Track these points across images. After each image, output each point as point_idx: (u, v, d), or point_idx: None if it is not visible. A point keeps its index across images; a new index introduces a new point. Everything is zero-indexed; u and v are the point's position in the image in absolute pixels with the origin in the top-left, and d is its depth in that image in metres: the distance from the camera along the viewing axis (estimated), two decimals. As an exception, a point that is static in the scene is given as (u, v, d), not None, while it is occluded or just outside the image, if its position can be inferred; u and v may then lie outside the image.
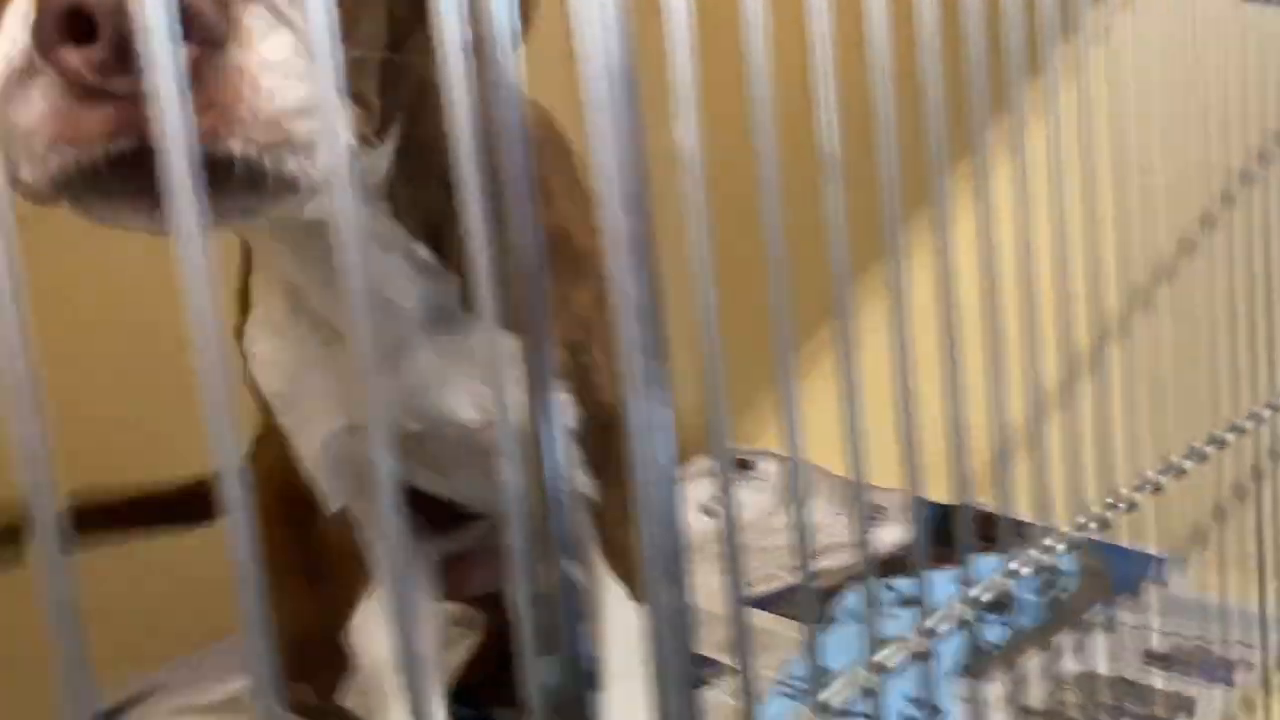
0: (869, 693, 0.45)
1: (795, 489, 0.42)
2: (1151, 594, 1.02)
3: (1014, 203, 0.51)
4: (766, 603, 1.20)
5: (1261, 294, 0.82)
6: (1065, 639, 0.74)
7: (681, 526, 0.33)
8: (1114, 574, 1.03)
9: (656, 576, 0.33)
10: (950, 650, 0.99)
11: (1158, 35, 0.67)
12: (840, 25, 0.38)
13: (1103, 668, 0.91)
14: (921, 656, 0.47)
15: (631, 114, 0.29)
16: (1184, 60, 0.69)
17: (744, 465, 1.68)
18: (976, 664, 0.56)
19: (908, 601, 0.56)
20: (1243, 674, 0.86)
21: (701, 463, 1.64)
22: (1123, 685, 0.88)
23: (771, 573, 1.31)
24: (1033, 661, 0.89)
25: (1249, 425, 0.80)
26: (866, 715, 0.46)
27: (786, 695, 0.94)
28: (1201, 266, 0.80)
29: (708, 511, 1.59)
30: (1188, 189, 0.75)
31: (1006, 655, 0.65)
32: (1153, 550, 1.05)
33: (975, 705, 0.54)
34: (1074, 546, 0.59)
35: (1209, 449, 0.74)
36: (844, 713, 0.43)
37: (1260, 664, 0.88)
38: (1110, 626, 0.96)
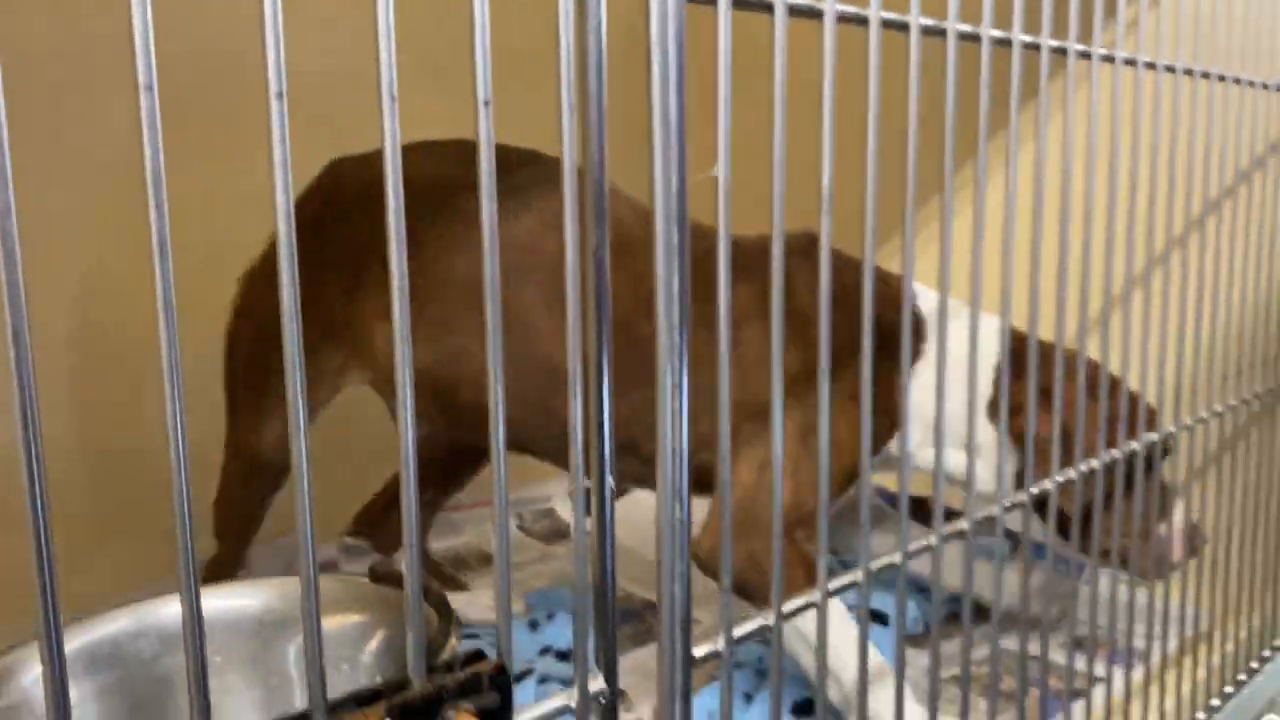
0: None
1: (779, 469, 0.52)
2: (1079, 590, 1.14)
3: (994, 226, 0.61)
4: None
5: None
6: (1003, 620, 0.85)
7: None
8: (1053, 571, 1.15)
9: (666, 533, 0.43)
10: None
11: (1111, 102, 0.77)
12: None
13: (1034, 649, 1.03)
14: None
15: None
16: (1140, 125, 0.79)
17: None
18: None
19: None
20: (1143, 660, 0.98)
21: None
22: (1044, 663, 1.00)
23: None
24: (978, 632, 1.00)
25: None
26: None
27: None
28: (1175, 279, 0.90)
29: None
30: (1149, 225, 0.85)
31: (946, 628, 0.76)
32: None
33: (935, 658, 0.65)
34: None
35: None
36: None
37: (1160, 652, 1.00)
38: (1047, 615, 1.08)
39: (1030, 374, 0.71)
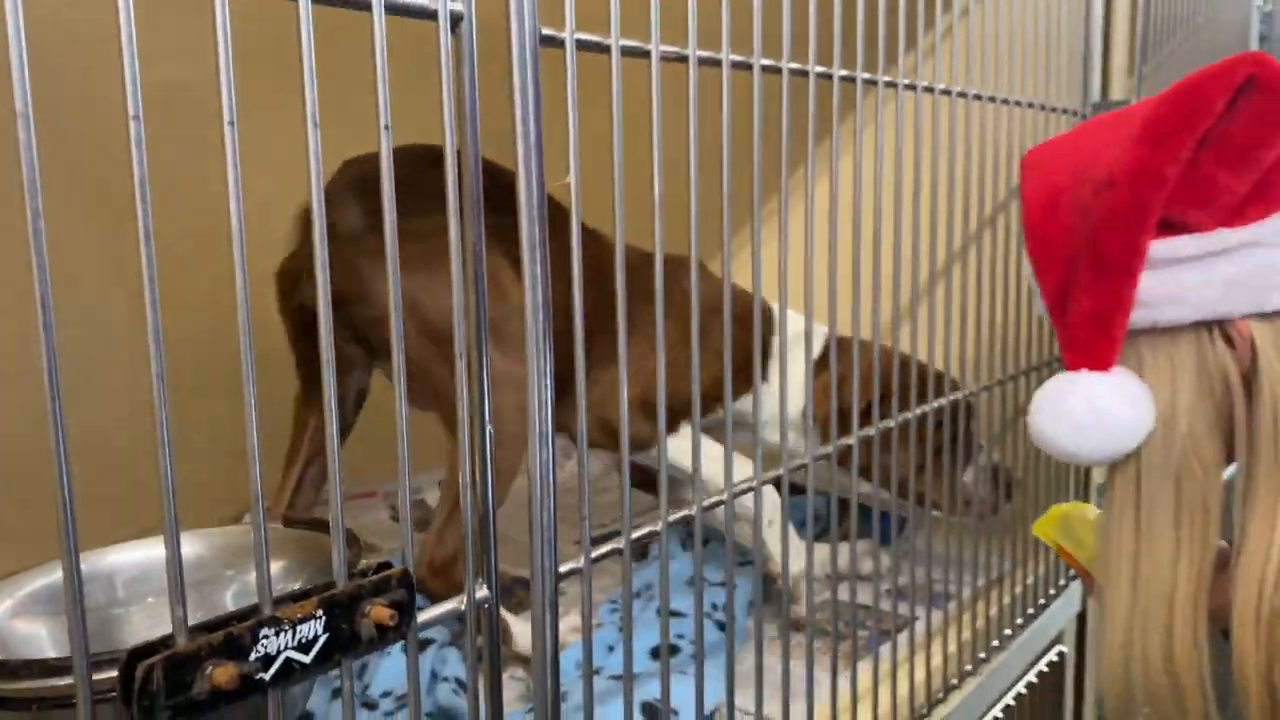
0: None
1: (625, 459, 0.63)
2: (902, 543, 1.30)
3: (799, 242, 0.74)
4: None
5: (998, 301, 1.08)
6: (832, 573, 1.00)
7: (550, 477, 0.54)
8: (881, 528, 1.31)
9: (538, 511, 0.54)
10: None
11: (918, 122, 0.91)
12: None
13: (862, 598, 1.18)
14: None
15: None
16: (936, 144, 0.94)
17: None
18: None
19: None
20: (953, 602, 1.14)
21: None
22: (865, 609, 1.15)
23: (604, 522, 1.54)
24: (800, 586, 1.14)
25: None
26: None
27: (613, 609, 1.18)
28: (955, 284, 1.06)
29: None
30: (943, 228, 0.99)
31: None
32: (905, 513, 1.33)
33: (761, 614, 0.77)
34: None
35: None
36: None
37: (970, 595, 1.16)
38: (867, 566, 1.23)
39: (832, 364, 0.86)
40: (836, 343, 1.15)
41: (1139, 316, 0.72)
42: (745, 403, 1.12)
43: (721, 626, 1.16)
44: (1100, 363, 0.74)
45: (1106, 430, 0.73)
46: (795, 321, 1.10)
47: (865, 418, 0.94)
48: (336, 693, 0.93)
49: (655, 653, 1.06)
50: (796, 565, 1.17)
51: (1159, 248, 0.70)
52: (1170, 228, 0.70)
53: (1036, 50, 1.08)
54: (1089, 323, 0.74)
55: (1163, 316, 0.72)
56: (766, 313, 1.15)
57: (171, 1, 0.61)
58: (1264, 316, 0.70)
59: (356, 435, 1.20)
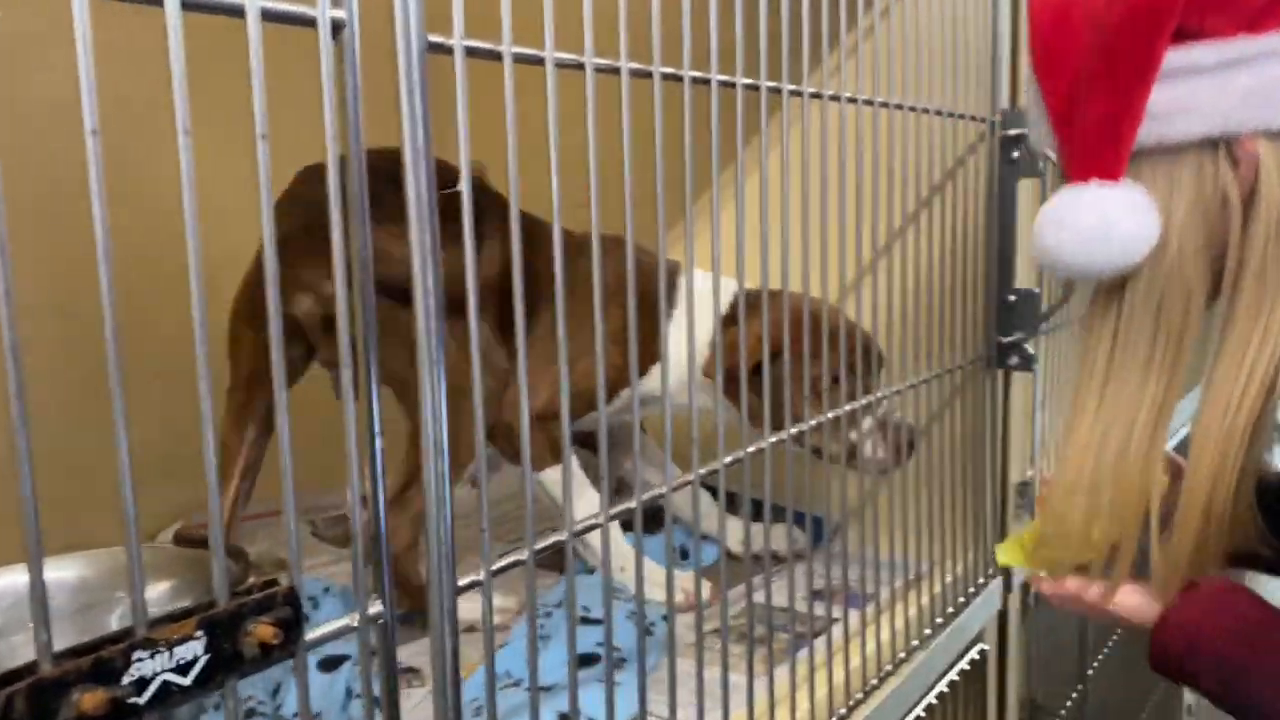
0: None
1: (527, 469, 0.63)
2: (824, 547, 1.31)
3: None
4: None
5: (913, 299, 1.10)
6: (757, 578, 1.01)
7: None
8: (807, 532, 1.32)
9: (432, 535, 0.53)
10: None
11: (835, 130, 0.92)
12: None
13: (780, 599, 1.18)
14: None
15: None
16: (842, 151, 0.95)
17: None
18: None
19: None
20: (872, 603, 1.15)
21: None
22: (787, 612, 1.15)
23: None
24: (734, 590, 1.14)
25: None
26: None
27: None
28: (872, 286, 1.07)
29: (472, 483, 1.79)
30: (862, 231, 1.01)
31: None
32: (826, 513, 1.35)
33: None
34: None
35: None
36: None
37: (889, 594, 1.18)
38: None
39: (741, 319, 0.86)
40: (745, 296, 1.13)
41: (1146, 132, 0.72)
42: (653, 378, 1.11)
43: (647, 632, 1.16)
44: (1108, 172, 0.73)
45: (1115, 241, 0.73)
46: (701, 281, 1.09)
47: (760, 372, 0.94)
48: (250, 713, 0.91)
49: (579, 662, 1.06)
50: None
51: (1175, 57, 0.69)
52: (1186, 37, 0.69)
53: (945, 60, 1.10)
54: (1099, 130, 0.73)
55: (1171, 130, 0.71)
56: (672, 280, 1.17)
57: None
58: (1272, 136, 0.70)
59: (272, 450, 1.18)
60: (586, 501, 1.19)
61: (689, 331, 0.79)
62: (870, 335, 1.07)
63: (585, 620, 1.15)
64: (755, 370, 1.04)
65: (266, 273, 0.44)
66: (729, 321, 1.13)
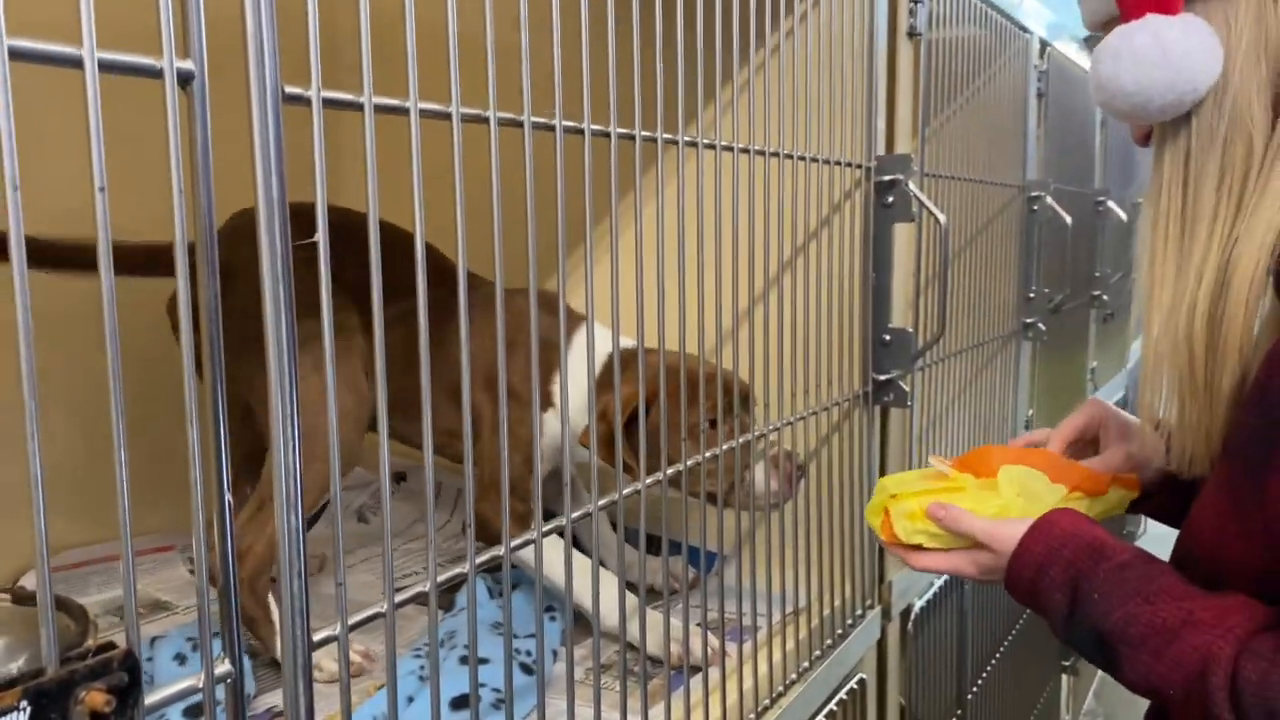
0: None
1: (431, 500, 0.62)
2: (710, 581, 1.32)
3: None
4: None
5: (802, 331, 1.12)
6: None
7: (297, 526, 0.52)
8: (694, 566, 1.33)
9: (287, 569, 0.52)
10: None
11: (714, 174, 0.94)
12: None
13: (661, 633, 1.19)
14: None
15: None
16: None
17: (399, 478, 1.85)
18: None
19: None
20: (754, 635, 1.16)
21: (359, 474, 1.80)
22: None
23: (415, 569, 1.51)
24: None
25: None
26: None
27: (415, 656, 1.15)
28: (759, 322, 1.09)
29: (360, 517, 1.75)
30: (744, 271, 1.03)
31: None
32: (714, 549, 1.36)
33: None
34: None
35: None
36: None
37: (768, 626, 1.20)
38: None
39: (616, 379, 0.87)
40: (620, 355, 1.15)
41: None
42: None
43: (528, 670, 1.16)
44: (1166, 6, 0.73)
45: (1174, 67, 0.72)
46: (581, 340, 1.13)
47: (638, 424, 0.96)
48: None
49: (456, 703, 1.05)
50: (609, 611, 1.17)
51: None
52: None
53: (821, 110, 1.14)
54: None
55: None
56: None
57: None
58: None
59: (153, 483, 1.14)
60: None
61: (562, 411, 0.79)
62: (740, 377, 1.10)
63: (465, 660, 1.14)
64: (634, 422, 1.06)
65: (106, 327, 0.43)
66: (603, 387, 1.15)
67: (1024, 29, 1.85)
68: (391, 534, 0.56)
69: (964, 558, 0.90)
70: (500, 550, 0.70)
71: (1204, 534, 0.79)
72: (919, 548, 0.92)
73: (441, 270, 0.68)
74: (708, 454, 0.99)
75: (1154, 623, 0.74)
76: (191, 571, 1.46)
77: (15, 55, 0.39)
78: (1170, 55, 0.72)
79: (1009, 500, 0.91)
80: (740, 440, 1.05)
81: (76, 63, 0.41)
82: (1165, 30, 0.73)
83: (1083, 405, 1.05)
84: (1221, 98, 0.73)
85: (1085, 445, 1.04)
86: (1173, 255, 0.77)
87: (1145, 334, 0.80)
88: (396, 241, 0.65)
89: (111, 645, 0.45)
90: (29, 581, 1.28)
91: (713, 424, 1.07)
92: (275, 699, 1.08)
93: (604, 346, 1.16)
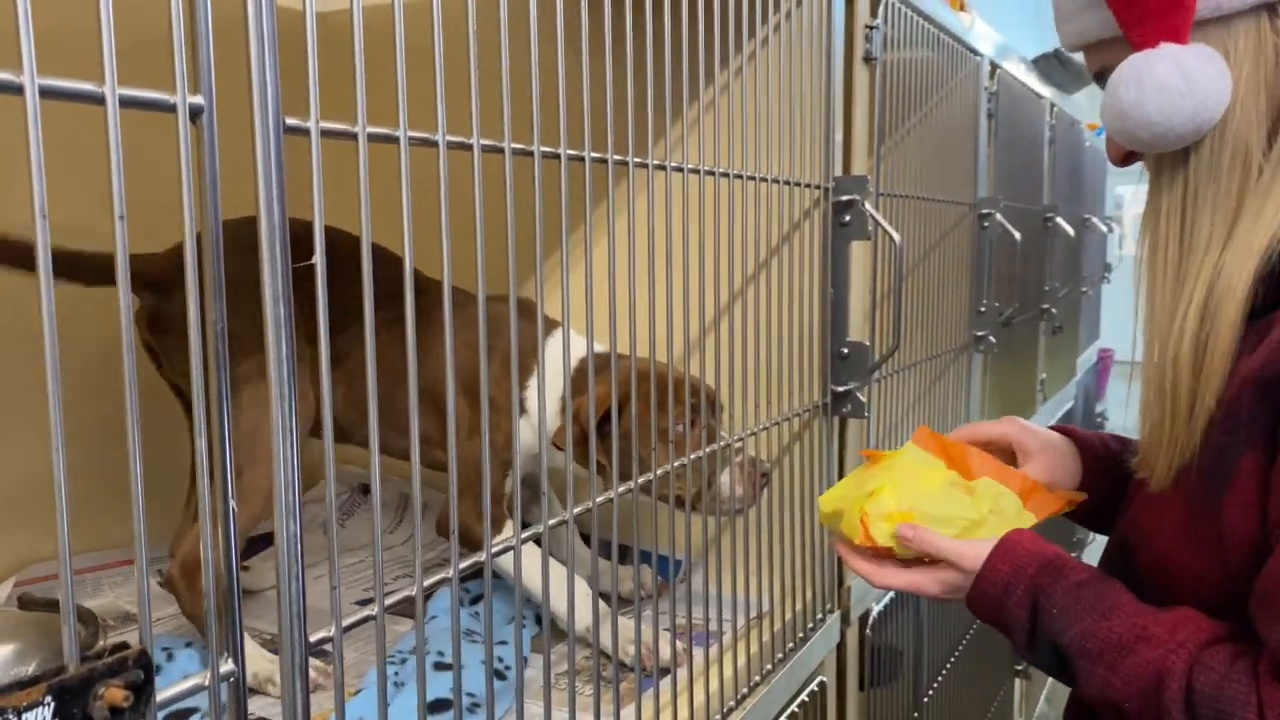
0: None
1: (415, 512, 0.65)
2: (676, 587, 1.36)
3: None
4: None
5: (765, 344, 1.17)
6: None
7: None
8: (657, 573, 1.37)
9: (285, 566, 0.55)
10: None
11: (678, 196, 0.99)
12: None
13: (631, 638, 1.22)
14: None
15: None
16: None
17: (366, 490, 1.87)
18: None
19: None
20: (719, 639, 1.20)
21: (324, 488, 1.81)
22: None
23: (386, 580, 1.53)
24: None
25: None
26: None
27: (388, 664, 1.17)
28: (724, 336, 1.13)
29: (326, 530, 1.76)
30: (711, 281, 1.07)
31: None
32: (680, 556, 1.40)
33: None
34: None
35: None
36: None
37: (732, 631, 1.23)
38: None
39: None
40: (593, 359, 1.19)
41: (1202, 4, 0.73)
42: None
43: (499, 676, 1.18)
44: (1177, 34, 0.74)
45: (1198, 96, 0.73)
46: (555, 345, 1.17)
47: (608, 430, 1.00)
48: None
49: (432, 707, 1.07)
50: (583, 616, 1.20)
51: None
52: None
53: (781, 133, 1.18)
54: None
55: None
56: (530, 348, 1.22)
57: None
58: None
59: (122, 496, 1.15)
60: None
61: (539, 411, 0.85)
62: (707, 384, 1.14)
63: (439, 666, 1.17)
64: (607, 423, 1.10)
65: (124, 343, 0.46)
66: (577, 389, 1.19)
67: (975, 52, 1.92)
68: (360, 545, 0.59)
69: (927, 576, 0.92)
70: (480, 556, 0.73)
71: (1155, 540, 0.83)
72: (891, 552, 0.94)
73: (397, 277, 0.71)
74: (678, 463, 1.03)
75: (1110, 638, 0.78)
76: (162, 584, 1.47)
77: (46, 94, 0.42)
78: (1194, 84, 0.73)
79: (982, 516, 0.94)
80: (710, 449, 1.09)
81: (99, 100, 0.44)
82: (1186, 59, 0.74)
83: (997, 421, 1.07)
84: (1224, 126, 0.74)
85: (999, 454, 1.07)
86: (1170, 281, 0.78)
87: (1145, 358, 0.82)
88: (355, 253, 0.68)
89: (125, 645, 0.47)
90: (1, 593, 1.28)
91: (682, 429, 1.11)
92: (253, 706, 1.10)
93: (578, 352, 1.20)
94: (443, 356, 0.67)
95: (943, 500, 0.94)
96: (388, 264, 0.72)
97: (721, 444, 1.12)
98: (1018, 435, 1.04)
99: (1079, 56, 0.87)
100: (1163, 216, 0.79)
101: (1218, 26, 0.75)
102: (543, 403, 0.94)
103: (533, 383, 1.20)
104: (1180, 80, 0.73)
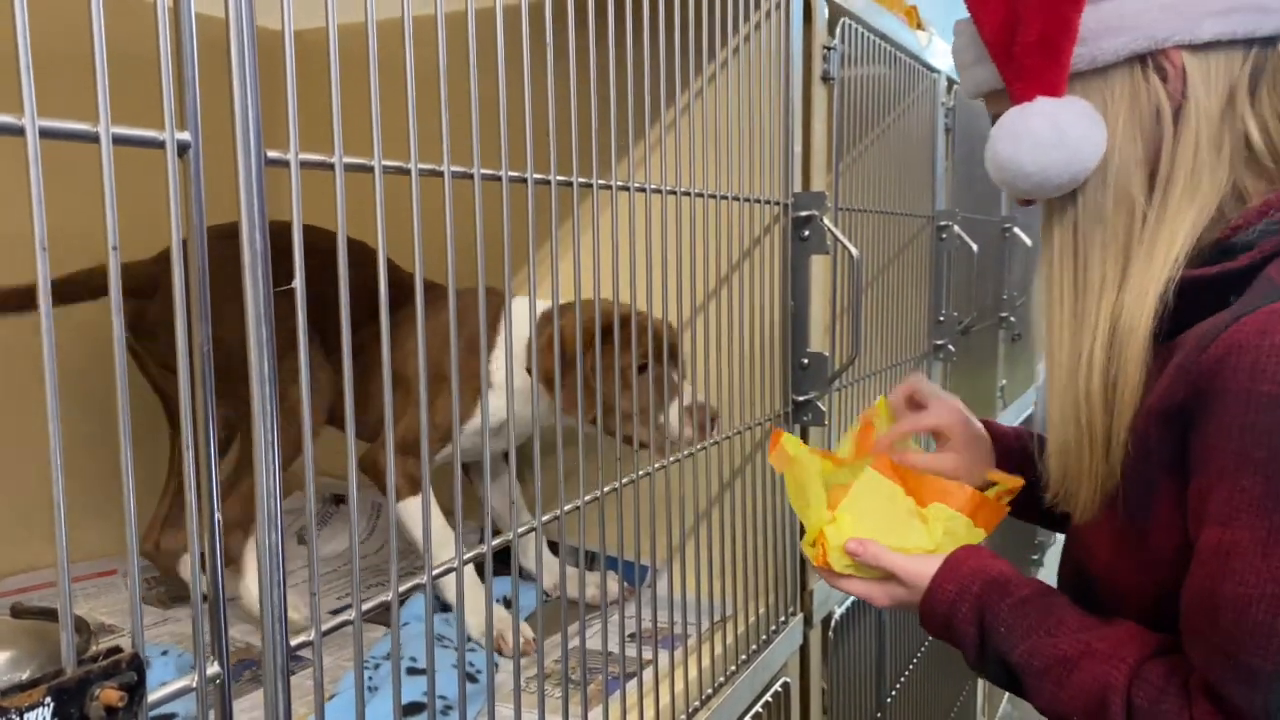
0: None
1: (394, 524, 0.69)
2: (642, 592, 1.39)
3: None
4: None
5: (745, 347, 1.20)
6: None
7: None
8: (624, 578, 1.40)
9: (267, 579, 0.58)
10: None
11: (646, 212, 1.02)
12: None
13: (594, 643, 1.26)
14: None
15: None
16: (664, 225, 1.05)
17: (338, 500, 1.89)
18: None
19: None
20: (683, 643, 1.24)
21: (298, 497, 1.83)
22: (602, 655, 1.23)
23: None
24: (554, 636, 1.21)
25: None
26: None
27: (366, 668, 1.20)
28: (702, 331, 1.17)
29: (301, 539, 1.79)
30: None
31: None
32: (646, 562, 1.44)
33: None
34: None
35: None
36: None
37: (697, 634, 1.27)
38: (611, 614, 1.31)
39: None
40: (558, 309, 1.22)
41: (1078, 55, 0.77)
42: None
43: (471, 679, 1.21)
44: (1052, 89, 0.78)
45: (1070, 147, 0.76)
46: (520, 302, 1.24)
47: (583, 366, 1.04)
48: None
49: (406, 710, 1.10)
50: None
51: None
52: None
53: (742, 151, 1.23)
54: (1039, 49, 0.77)
55: (1101, 50, 0.77)
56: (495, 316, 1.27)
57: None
58: (1194, 49, 0.76)
59: (94, 508, 1.17)
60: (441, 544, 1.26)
61: (506, 337, 0.95)
62: (669, 324, 1.17)
63: (412, 671, 1.20)
64: (571, 365, 1.16)
65: (116, 356, 0.49)
66: (545, 323, 1.23)
67: (931, 69, 1.98)
68: (334, 556, 0.62)
69: (879, 588, 0.97)
70: (453, 562, 0.76)
71: (1099, 554, 0.87)
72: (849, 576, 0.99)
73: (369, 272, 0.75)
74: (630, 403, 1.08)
75: (1055, 654, 0.82)
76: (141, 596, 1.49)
77: (45, 134, 0.45)
78: (1066, 137, 0.76)
79: (937, 542, 0.98)
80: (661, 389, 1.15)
81: (94, 139, 0.48)
82: (1059, 113, 0.77)
83: (937, 404, 1.14)
84: (1105, 173, 0.78)
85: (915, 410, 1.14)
86: (1068, 320, 0.81)
87: (1049, 390, 0.86)
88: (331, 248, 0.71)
89: (118, 649, 0.50)
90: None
91: (642, 369, 1.17)
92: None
93: (542, 307, 1.26)
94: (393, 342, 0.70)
95: (901, 530, 1.00)
96: (371, 264, 0.75)
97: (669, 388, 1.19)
98: (961, 429, 1.12)
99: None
100: (1056, 259, 0.82)
101: (1095, 78, 0.78)
102: (510, 368, 1.01)
103: (498, 355, 1.25)
104: (1052, 133, 0.76)
